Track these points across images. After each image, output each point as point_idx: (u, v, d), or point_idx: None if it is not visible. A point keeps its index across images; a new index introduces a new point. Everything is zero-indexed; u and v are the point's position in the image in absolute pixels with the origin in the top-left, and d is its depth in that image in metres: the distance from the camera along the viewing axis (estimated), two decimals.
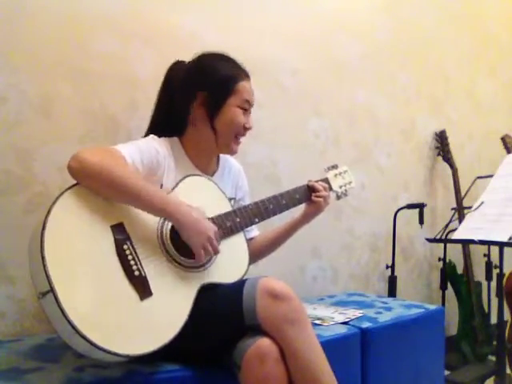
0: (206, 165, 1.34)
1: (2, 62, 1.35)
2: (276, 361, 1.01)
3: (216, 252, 1.11)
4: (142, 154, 1.17)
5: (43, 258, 0.93)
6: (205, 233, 1.08)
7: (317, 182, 1.44)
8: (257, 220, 1.27)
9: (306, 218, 1.44)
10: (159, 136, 1.27)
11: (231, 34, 1.81)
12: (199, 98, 1.26)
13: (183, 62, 1.34)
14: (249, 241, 1.41)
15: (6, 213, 1.35)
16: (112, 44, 1.53)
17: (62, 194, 1.02)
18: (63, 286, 0.92)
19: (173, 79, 1.32)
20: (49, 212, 0.98)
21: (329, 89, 2.14)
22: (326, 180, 1.48)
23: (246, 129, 1.31)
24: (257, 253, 1.45)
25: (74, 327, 0.90)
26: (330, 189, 1.48)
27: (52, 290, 0.91)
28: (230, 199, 1.33)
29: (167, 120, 1.31)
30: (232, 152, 1.34)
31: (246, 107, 1.30)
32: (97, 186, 1.05)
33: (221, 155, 1.41)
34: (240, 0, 1.87)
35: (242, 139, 1.34)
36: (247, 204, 1.29)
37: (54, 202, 1.00)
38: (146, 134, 1.31)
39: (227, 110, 1.27)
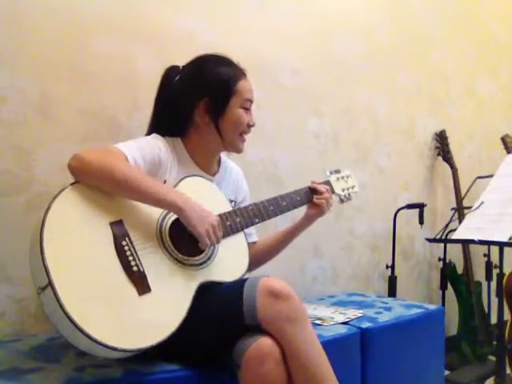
0: (208, 165, 1.34)
1: (2, 62, 1.35)
2: (276, 361, 1.01)
3: (218, 240, 1.12)
4: (144, 151, 1.17)
5: (42, 252, 0.93)
6: (207, 219, 1.09)
7: (319, 184, 1.44)
8: (257, 220, 1.26)
9: (307, 221, 1.43)
10: (162, 135, 1.27)
11: (231, 34, 1.81)
12: (201, 105, 1.27)
13: (178, 66, 1.34)
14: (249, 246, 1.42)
15: (6, 213, 1.35)
16: (112, 44, 1.53)
17: (62, 190, 1.03)
18: (62, 280, 0.93)
19: (169, 84, 1.31)
20: (48, 208, 0.99)
21: (329, 89, 2.14)
22: (327, 183, 1.48)
23: (249, 126, 1.32)
24: (257, 258, 1.43)
25: (72, 321, 0.90)
26: (332, 192, 1.47)
27: (50, 283, 0.91)
28: (231, 201, 1.33)
29: (168, 123, 1.31)
30: (239, 150, 1.35)
31: (248, 106, 1.31)
32: (97, 182, 1.06)
33: (221, 158, 1.41)
34: (240, 0, 1.87)
35: (247, 136, 1.35)
36: (247, 204, 1.29)
37: (53, 198, 1.01)
38: (147, 135, 1.30)
39: (230, 113, 1.27)
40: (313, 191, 1.41)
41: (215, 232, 1.10)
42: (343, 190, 1.51)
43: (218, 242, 1.13)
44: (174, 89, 1.30)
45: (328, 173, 1.52)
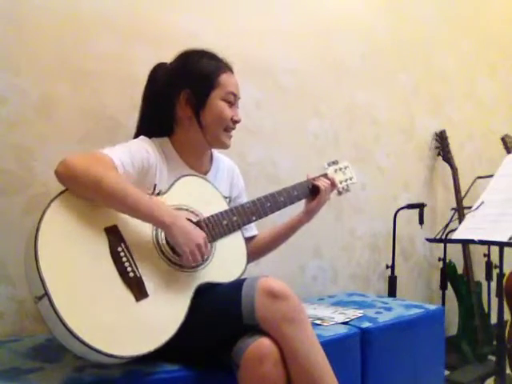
0: (198, 164, 1.32)
1: (3, 62, 1.35)
2: (275, 362, 1.00)
3: (202, 259, 1.10)
4: (133, 155, 1.16)
5: (37, 262, 0.93)
6: (194, 239, 1.07)
7: (317, 177, 1.43)
8: (254, 218, 1.25)
9: (307, 215, 1.42)
10: (149, 137, 1.26)
11: (231, 34, 1.81)
12: (183, 97, 1.26)
13: (165, 63, 1.33)
14: (248, 240, 1.42)
15: (5, 213, 1.35)
16: (112, 44, 1.53)
17: (55, 197, 1.02)
18: (58, 289, 0.92)
19: (155, 81, 1.31)
20: (42, 215, 0.98)
21: (328, 89, 2.14)
22: (325, 175, 1.47)
23: (234, 121, 1.30)
24: (257, 252, 1.45)
25: (69, 330, 0.90)
26: (333, 184, 1.45)
27: (47, 293, 0.91)
28: (225, 198, 1.33)
29: (154, 122, 1.30)
30: (224, 146, 1.32)
31: (231, 100, 1.28)
32: (83, 191, 1.04)
33: (214, 155, 1.40)
34: (240, 1, 1.87)
35: (234, 133, 1.33)
36: (244, 202, 1.29)
37: (47, 206, 1.00)
38: (135, 137, 1.30)
39: (212, 104, 1.26)
40: (310, 183, 1.40)
41: (201, 251, 1.08)
42: (341, 182, 1.49)
43: (202, 260, 1.11)
44: (159, 85, 1.30)
45: (326, 165, 1.50)
